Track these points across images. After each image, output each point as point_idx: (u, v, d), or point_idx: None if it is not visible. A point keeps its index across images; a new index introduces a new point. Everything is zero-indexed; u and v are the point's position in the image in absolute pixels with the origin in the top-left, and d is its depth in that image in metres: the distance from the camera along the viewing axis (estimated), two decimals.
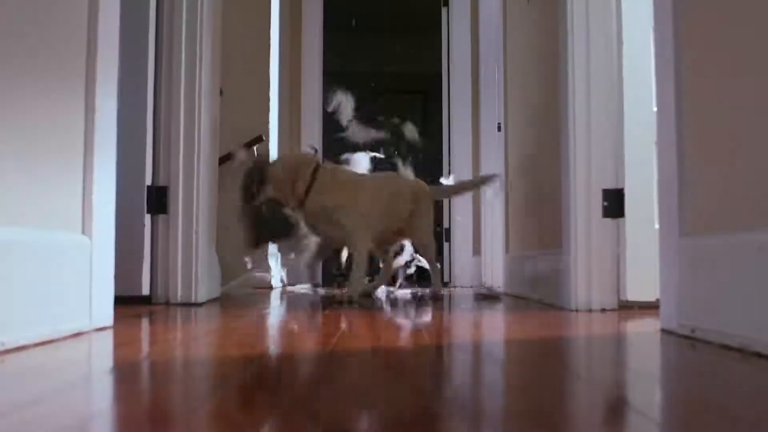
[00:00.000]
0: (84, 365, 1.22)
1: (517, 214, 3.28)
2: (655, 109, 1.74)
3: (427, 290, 3.59)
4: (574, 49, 2.26)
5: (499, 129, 3.74)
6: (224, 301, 2.64)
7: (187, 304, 2.46)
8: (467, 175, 4.70)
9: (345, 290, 2.59)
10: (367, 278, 3.62)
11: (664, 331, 1.59)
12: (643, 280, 2.15)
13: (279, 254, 4.37)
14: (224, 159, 3.52)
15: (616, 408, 0.83)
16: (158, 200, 2.53)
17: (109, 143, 1.72)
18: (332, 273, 7.09)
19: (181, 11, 2.55)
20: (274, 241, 3.07)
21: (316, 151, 2.97)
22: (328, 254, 2.98)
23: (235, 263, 3.37)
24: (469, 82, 4.71)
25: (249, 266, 3.36)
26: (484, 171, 4.37)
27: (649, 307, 2.06)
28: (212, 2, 2.69)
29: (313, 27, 4.96)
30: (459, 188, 3.56)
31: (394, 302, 2.66)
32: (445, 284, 4.62)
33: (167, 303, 2.48)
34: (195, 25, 2.57)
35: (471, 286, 4.32)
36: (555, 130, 2.46)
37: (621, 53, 2.25)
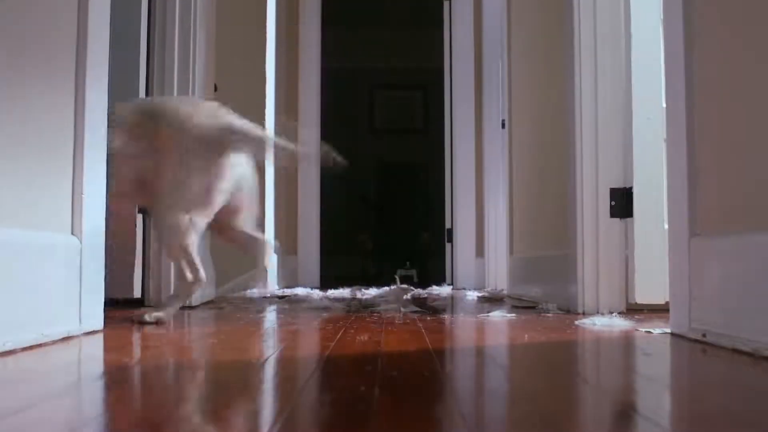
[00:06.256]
0: (73, 370, 1.19)
1: (521, 214, 3.24)
2: (664, 105, 1.71)
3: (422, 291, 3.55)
4: (581, 43, 2.23)
5: (503, 126, 3.70)
6: (218, 304, 2.61)
7: (181, 307, 2.42)
8: (470, 176, 4.66)
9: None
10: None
11: (673, 334, 1.57)
12: (653, 282, 2.12)
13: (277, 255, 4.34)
14: None
15: (624, 414, 0.81)
16: None
17: (100, 141, 1.70)
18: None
19: (174, 4, 2.51)
20: None
21: None
22: None
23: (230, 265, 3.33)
24: (472, 77, 4.68)
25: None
26: (487, 169, 4.34)
27: (659, 310, 2.05)
28: None
29: (311, 21, 4.92)
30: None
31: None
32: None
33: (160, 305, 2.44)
34: (188, 18, 2.53)
35: (474, 288, 4.29)
36: (561, 126, 2.43)
37: (629, 46, 2.21)
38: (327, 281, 4.76)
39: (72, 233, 1.59)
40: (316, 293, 3.28)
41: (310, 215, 4.85)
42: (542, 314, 2.15)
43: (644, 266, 2.15)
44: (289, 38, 4.83)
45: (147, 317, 1.85)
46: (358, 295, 3.22)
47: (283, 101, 4.64)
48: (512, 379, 1.08)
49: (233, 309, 2.41)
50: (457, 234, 4.69)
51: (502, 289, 3.53)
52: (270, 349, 1.40)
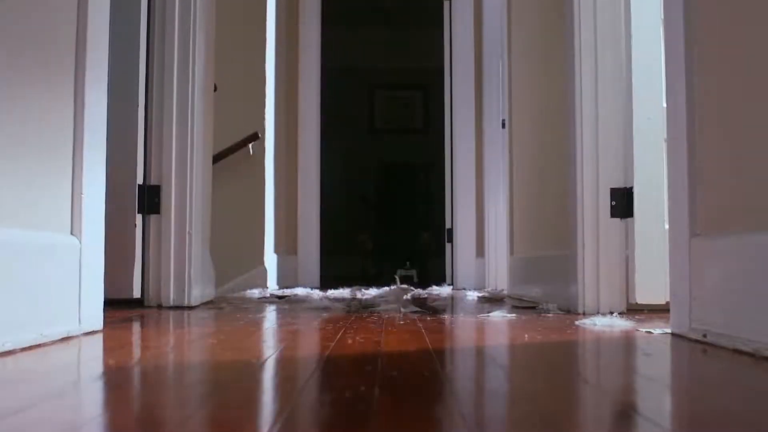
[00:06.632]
0: (73, 371, 1.19)
1: (521, 214, 3.24)
2: (665, 104, 1.70)
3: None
4: (581, 43, 2.22)
5: (503, 126, 3.70)
6: (218, 304, 2.61)
7: (180, 308, 2.43)
8: (470, 176, 4.65)
9: None
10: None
11: (674, 335, 1.57)
12: (653, 283, 2.11)
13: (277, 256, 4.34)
14: (219, 157, 3.48)
15: (625, 414, 0.81)
16: (150, 200, 2.48)
17: (99, 141, 1.69)
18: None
19: (174, 4, 2.51)
20: None
21: None
22: None
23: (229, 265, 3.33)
24: (472, 77, 4.67)
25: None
26: (487, 169, 4.33)
27: (659, 310, 2.04)
28: None
29: (311, 20, 4.91)
30: None
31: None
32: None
33: (159, 306, 2.45)
34: (188, 17, 2.52)
35: (474, 288, 4.28)
36: (561, 126, 2.43)
37: (629, 46, 2.20)
38: (327, 281, 4.75)
39: (71, 233, 1.58)
40: (316, 293, 3.27)
41: (310, 215, 4.84)
42: (542, 314, 2.15)
43: (645, 266, 2.14)
44: (289, 38, 4.82)
45: None
46: (358, 295, 3.21)
47: (283, 101, 4.63)
48: (512, 379, 1.07)
49: (233, 309, 2.40)
50: (457, 234, 4.69)
51: (503, 290, 3.53)
52: (270, 349, 1.40)
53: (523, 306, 2.53)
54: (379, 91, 8.12)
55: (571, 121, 2.27)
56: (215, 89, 3.04)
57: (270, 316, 2.19)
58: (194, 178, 2.51)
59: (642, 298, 2.15)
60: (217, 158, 3.35)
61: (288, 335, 1.64)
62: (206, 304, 2.60)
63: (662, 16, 1.76)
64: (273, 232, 4.22)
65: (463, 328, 1.82)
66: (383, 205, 7.91)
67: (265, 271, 3.93)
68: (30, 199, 1.42)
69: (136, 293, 2.44)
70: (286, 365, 1.18)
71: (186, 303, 2.46)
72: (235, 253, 3.63)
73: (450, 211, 4.92)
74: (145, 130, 2.50)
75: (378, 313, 2.20)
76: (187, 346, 1.46)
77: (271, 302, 2.81)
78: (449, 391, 0.93)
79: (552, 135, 2.65)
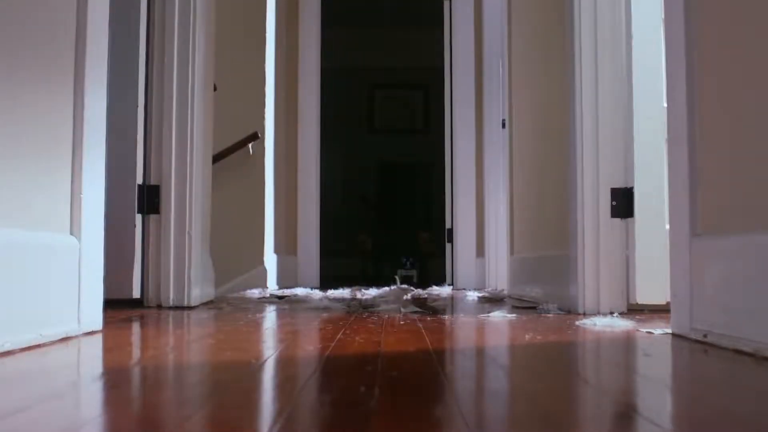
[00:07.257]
0: (72, 371, 1.19)
1: (521, 214, 3.24)
2: (665, 104, 1.70)
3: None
4: (582, 42, 2.22)
5: (503, 126, 3.70)
6: (218, 305, 2.61)
7: (180, 308, 2.43)
8: (470, 176, 4.65)
9: None
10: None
11: (675, 335, 1.57)
12: (654, 283, 2.11)
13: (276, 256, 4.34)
14: (219, 157, 3.48)
15: (625, 414, 0.81)
16: (150, 200, 2.48)
17: (99, 140, 1.69)
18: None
19: (174, 4, 2.51)
20: None
21: None
22: None
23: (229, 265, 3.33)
24: (472, 77, 4.67)
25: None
26: (488, 169, 4.33)
27: (660, 311, 2.04)
28: None
29: (311, 20, 4.91)
30: None
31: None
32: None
33: (159, 306, 2.45)
34: (188, 17, 2.52)
35: (474, 289, 4.28)
36: (561, 126, 2.43)
37: (630, 47, 2.20)
38: (327, 281, 4.75)
39: (71, 233, 1.58)
40: (316, 293, 3.27)
41: (310, 215, 4.84)
42: (543, 315, 2.15)
43: (645, 266, 2.14)
44: (289, 38, 4.82)
45: None
46: (358, 295, 3.21)
47: (282, 101, 4.63)
48: (512, 379, 1.07)
49: (233, 309, 2.40)
50: (458, 234, 4.69)
51: (503, 290, 3.53)
52: (270, 350, 1.39)
53: (524, 306, 2.53)
54: (379, 91, 8.12)
55: (572, 121, 2.27)
56: (215, 89, 3.04)
57: (270, 316, 2.19)
58: (194, 178, 2.51)
59: (642, 298, 2.14)
60: (217, 158, 3.35)
61: (288, 335, 1.63)
62: (206, 305, 2.60)
63: (663, 16, 1.76)
64: (273, 232, 4.21)
65: (463, 329, 1.82)
66: (383, 205, 7.91)
67: (265, 271, 3.93)
68: (29, 199, 1.42)
69: (136, 293, 2.44)
70: (286, 365, 1.18)
71: (186, 303, 2.46)
72: (235, 253, 3.63)
73: (450, 211, 4.92)
74: (145, 130, 2.50)
75: (378, 313, 2.19)
76: (187, 346, 1.46)
77: (271, 302, 2.81)
78: (449, 391, 0.92)
79: (552, 134, 2.65)
